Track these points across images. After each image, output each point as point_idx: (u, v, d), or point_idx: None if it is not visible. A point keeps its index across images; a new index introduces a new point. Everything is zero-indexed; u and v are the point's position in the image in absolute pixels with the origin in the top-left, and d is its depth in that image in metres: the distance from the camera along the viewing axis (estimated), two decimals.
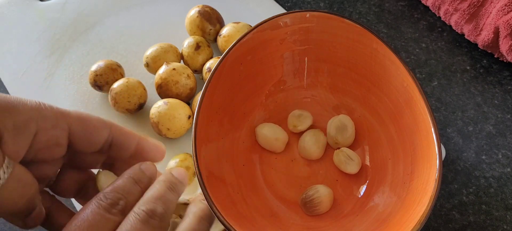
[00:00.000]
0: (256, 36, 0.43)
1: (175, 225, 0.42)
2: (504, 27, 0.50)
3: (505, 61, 0.54)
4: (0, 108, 0.28)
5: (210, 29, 0.52)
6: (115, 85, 0.48)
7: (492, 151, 0.49)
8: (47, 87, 0.52)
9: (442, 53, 0.56)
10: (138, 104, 0.48)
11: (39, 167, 0.31)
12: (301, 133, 0.45)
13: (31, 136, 0.29)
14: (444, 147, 0.49)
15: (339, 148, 0.44)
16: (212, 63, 0.49)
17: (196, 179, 0.45)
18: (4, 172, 0.27)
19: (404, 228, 0.35)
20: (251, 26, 0.49)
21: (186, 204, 0.43)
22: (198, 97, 0.45)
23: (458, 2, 0.53)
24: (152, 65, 0.50)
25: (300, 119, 0.45)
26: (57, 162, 0.33)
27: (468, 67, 0.54)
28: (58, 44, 0.55)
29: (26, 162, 0.29)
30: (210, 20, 0.52)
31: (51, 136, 0.30)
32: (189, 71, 0.49)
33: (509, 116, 0.51)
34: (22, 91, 0.51)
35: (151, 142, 0.35)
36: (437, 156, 0.36)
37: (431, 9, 0.58)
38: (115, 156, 0.34)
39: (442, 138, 0.49)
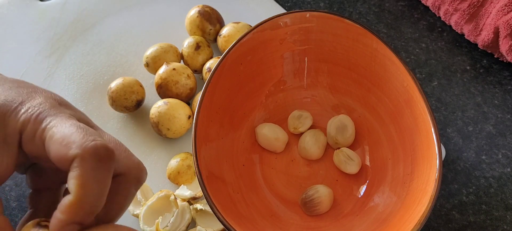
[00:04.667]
0: (256, 36, 0.43)
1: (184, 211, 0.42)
2: (504, 27, 0.50)
3: (505, 61, 0.54)
4: None
5: (210, 29, 0.52)
6: (113, 84, 0.48)
7: (492, 151, 0.49)
8: (47, 87, 0.52)
9: (442, 53, 0.56)
10: (136, 102, 0.48)
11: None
12: (301, 133, 0.45)
13: (15, 147, 0.29)
14: (444, 147, 0.49)
15: (339, 148, 0.44)
16: (212, 63, 0.49)
17: (196, 178, 0.45)
18: None
19: (404, 228, 0.35)
20: (251, 26, 0.49)
21: (194, 199, 0.43)
22: (198, 97, 0.45)
23: (458, 2, 0.53)
24: (152, 65, 0.50)
25: (300, 120, 0.45)
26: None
27: (468, 67, 0.54)
28: (58, 44, 0.55)
29: None
30: (210, 20, 0.52)
31: (31, 149, 0.29)
32: (189, 71, 0.49)
33: (509, 116, 0.51)
34: None
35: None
36: (437, 156, 0.36)
37: (431, 9, 0.58)
38: None
39: (442, 138, 0.49)
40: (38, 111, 0.29)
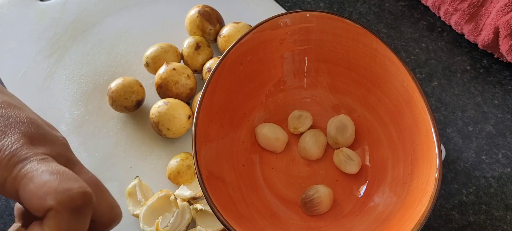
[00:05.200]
0: (256, 36, 0.43)
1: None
2: (504, 27, 0.50)
3: (505, 61, 0.54)
4: None
5: (210, 29, 0.52)
6: (113, 84, 0.48)
7: (492, 151, 0.49)
8: (47, 87, 0.52)
9: (442, 53, 0.56)
10: (135, 102, 0.48)
11: None
12: (301, 133, 0.45)
13: None
14: (444, 147, 0.49)
15: (339, 148, 0.44)
16: (212, 63, 0.49)
17: (196, 178, 0.45)
18: None
19: (404, 228, 0.35)
20: (251, 26, 0.49)
21: (194, 199, 0.43)
22: (198, 97, 0.45)
23: (458, 2, 0.53)
24: (152, 65, 0.50)
25: (300, 120, 0.45)
26: None
27: (468, 67, 0.54)
28: (58, 44, 0.55)
29: None
30: (210, 20, 0.52)
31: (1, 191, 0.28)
32: (189, 71, 0.49)
33: (509, 116, 0.51)
34: (22, 91, 0.51)
35: None
36: (437, 156, 0.36)
37: (431, 9, 0.58)
38: None
39: (442, 138, 0.49)
40: (9, 155, 0.27)
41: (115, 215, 0.30)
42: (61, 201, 0.25)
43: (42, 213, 0.25)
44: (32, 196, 0.26)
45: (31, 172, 0.26)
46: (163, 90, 0.48)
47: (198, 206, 0.42)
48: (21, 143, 0.28)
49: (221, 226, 0.41)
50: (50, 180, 0.26)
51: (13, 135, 0.28)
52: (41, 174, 0.26)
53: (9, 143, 0.27)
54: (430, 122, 0.38)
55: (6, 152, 0.27)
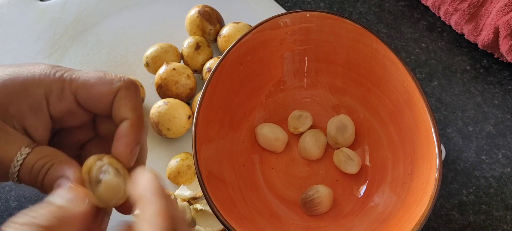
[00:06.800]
0: (256, 36, 0.43)
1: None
2: (504, 27, 0.50)
3: (505, 61, 0.54)
4: (13, 94, 0.30)
5: (210, 29, 0.52)
6: None
7: (492, 151, 0.49)
8: None
9: (442, 53, 0.56)
10: None
11: (68, 134, 0.33)
12: (301, 133, 0.45)
13: (46, 111, 0.31)
14: (444, 147, 0.49)
15: (339, 148, 0.44)
16: (212, 63, 0.49)
17: (196, 178, 0.45)
18: (21, 154, 0.29)
19: (404, 228, 0.35)
20: (251, 26, 0.49)
21: (194, 199, 0.43)
22: (198, 97, 0.45)
23: (458, 2, 0.53)
24: (152, 65, 0.50)
25: (301, 120, 0.45)
26: (86, 127, 0.34)
27: (468, 67, 0.54)
28: (58, 44, 0.55)
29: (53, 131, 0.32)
30: (210, 20, 0.52)
31: (60, 107, 0.31)
32: (189, 71, 0.49)
33: (509, 116, 0.51)
34: None
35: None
36: (437, 156, 0.36)
37: (431, 9, 0.58)
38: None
39: (442, 138, 0.49)
40: (58, 73, 0.31)
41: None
42: (126, 81, 0.31)
43: (110, 97, 0.31)
44: (98, 84, 0.31)
45: (84, 74, 0.32)
46: (163, 90, 0.48)
47: (198, 206, 0.42)
48: (59, 67, 0.32)
49: (221, 226, 0.41)
50: (106, 74, 0.32)
51: (49, 67, 0.33)
52: (94, 72, 0.32)
53: (54, 70, 0.32)
54: (430, 122, 0.38)
55: (53, 71, 0.31)
